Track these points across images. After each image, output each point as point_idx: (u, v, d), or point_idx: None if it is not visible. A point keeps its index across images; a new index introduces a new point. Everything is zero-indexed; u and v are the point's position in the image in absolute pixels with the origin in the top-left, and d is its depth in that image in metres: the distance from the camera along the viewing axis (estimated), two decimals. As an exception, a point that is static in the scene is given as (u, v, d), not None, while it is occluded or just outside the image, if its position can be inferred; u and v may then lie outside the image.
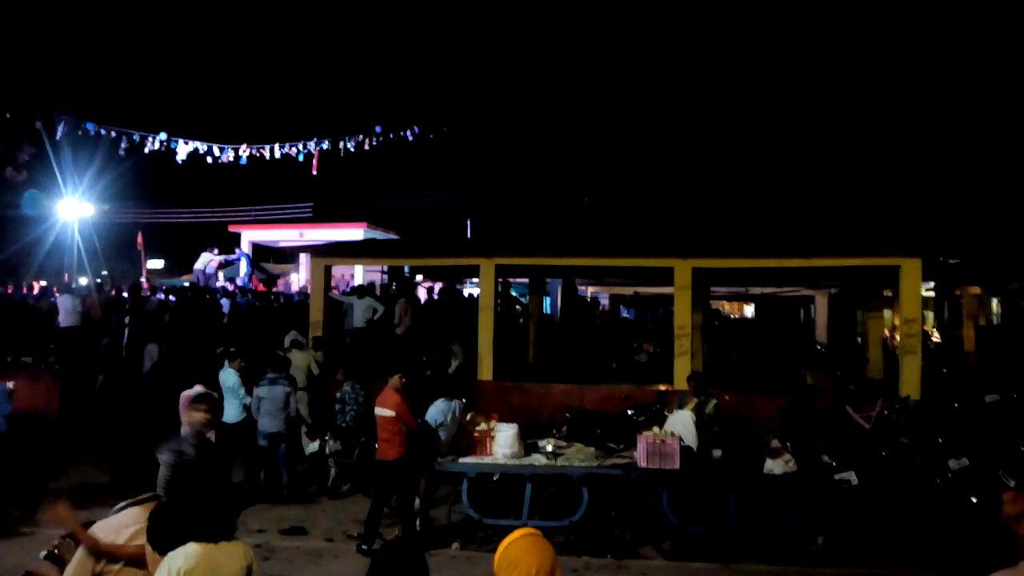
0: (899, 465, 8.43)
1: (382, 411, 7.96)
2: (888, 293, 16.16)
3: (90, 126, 16.69)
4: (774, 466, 7.78)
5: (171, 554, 3.57)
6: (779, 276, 17.53)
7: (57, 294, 15.76)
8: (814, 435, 9.13)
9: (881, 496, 8.13)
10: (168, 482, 5.01)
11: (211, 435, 6.20)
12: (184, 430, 5.77)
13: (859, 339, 17.59)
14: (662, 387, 11.30)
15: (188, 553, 3.54)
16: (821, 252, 11.96)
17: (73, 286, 17.85)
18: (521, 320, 18.23)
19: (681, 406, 9.36)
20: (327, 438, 9.91)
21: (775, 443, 8.24)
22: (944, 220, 21.84)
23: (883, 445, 8.83)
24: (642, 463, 7.71)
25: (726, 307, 34.09)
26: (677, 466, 7.64)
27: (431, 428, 8.24)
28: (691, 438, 8.07)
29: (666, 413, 9.02)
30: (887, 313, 16.41)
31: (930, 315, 19.60)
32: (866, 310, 16.41)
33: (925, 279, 13.42)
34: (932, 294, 19.29)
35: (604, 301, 29.03)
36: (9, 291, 15.86)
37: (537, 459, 8.13)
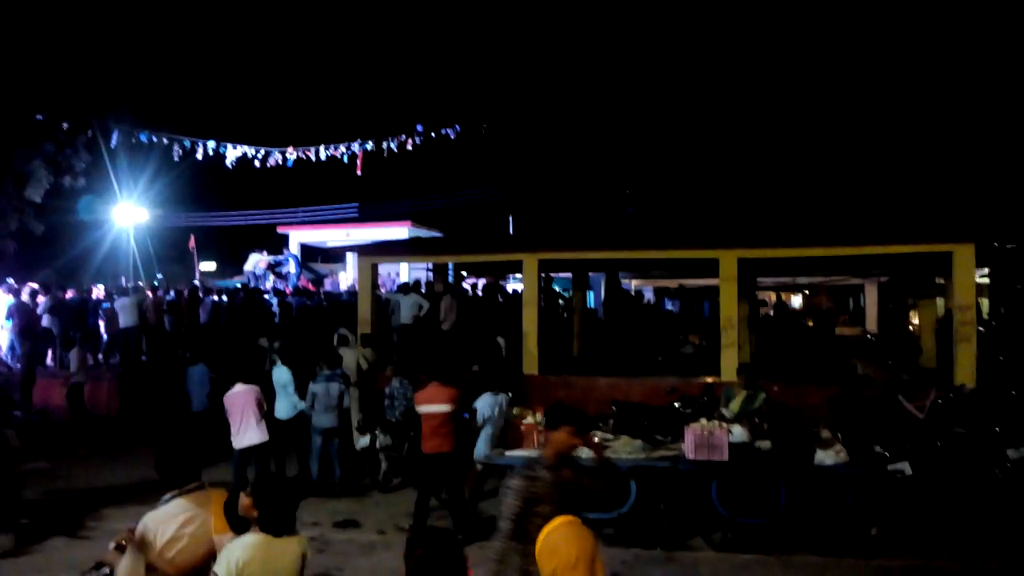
0: (955, 455, 8.26)
1: (433, 407, 8.02)
2: (941, 280, 15.79)
3: (143, 135, 17.21)
4: (825, 457, 7.68)
5: (229, 546, 3.72)
6: (827, 265, 17.24)
7: (114, 297, 16.27)
8: (866, 425, 8.99)
9: (936, 487, 7.98)
10: (517, 515, 4.02)
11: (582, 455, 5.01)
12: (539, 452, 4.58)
13: (911, 327, 17.22)
14: (709, 379, 11.23)
15: (246, 544, 3.69)
16: (870, 240, 11.74)
17: (129, 285, 18.40)
18: (564, 315, 18.26)
19: (729, 399, 9.31)
20: (377, 433, 10.08)
21: (826, 434, 8.15)
22: (999, 203, 21.19)
23: (938, 435, 8.65)
24: (690, 455, 7.69)
25: (784, 297, 33.36)
26: (726, 458, 7.62)
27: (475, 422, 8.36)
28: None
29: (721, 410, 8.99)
30: (940, 301, 16.04)
31: (985, 302, 19.06)
32: (918, 298, 16.05)
33: (979, 265, 13.07)
34: (987, 280, 18.77)
35: (648, 294, 28.86)
36: (68, 295, 16.40)
37: (584, 452, 8.14)
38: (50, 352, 15.42)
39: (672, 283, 26.36)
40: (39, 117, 17.76)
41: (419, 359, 11.74)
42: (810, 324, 23.49)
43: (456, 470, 8.11)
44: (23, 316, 14.41)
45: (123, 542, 4.02)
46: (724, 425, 7.93)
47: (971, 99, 24.36)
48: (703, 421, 8.02)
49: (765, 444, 8.15)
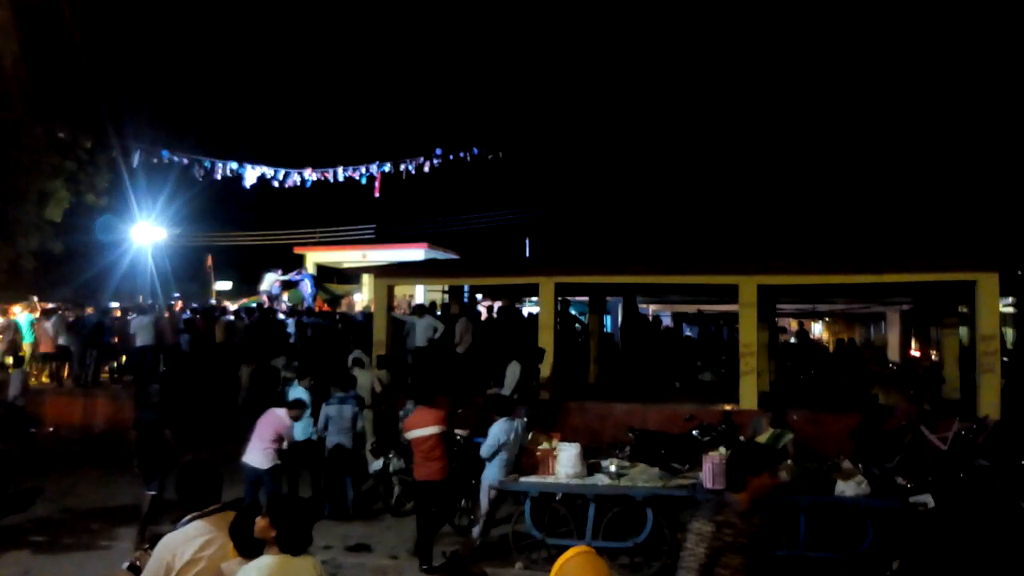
0: (979, 488, 8.08)
1: (422, 431, 7.89)
2: (964, 309, 15.58)
3: (164, 154, 17.43)
4: (846, 488, 7.53)
5: (245, 568, 3.66)
6: (848, 292, 17.09)
7: (131, 315, 16.37)
8: (888, 456, 8.83)
9: (960, 520, 7.80)
10: (702, 566, 3.64)
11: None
12: (726, 497, 3.88)
13: (934, 357, 16.97)
14: (727, 407, 11.10)
15: (262, 565, 3.63)
16: (892, 267, 11.63)
17: (148, 303, 18.51)
18: (581, 339, 18.15)
19: (756, 431, 9.14)
20: (391, 456, 9.99)
21: (847, 464, 7.99)
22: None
23: (961, 467, 8.48)
24: (708, 484, 7.55)
25: (805, 325, 33.07)
26: (744, 487, 7.46)
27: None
28: None
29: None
30: (963, 330, 15.81)
31: (1009, 332, 18.78)
32: (941, 327, 15.85)
33: (1003, 294, 12.91)
34: (1012, 310, 18.53)
35: (666, 319, 28.69)
36: (88, 312, 16.54)
37: (600, 479, 8.04)
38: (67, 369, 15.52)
39: (691, 308, 26.18)
40: (60, 136, 18.02)
41: (434, 381, 11.67)
42: (830, 351, 23.24)
43: (447, 500, 7.98)
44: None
45: (137, 562, 3.98)
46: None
47: (997, 128, 24.22)
48: (722, 449, 7.89)
49: (784, 475, 8.00)
